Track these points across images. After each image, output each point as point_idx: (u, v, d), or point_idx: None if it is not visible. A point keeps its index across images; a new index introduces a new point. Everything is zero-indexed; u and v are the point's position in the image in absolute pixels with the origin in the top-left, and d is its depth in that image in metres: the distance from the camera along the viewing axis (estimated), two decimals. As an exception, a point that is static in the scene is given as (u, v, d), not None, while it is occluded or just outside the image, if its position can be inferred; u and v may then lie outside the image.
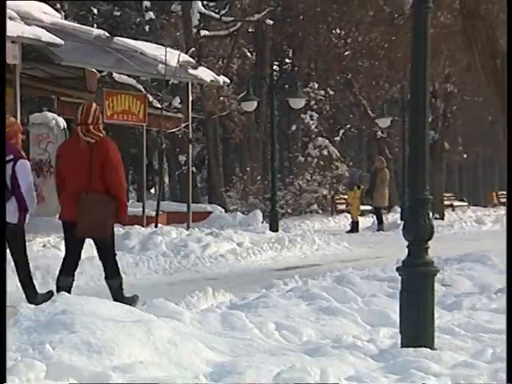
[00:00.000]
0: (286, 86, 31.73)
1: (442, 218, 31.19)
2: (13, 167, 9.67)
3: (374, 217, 26.81)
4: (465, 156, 47.39)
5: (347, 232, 25.16)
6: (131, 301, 9.42)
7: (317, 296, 9.68)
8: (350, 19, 27.68)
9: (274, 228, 23.21)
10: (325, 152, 33.44)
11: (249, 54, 32.53)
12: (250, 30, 30.06)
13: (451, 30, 19.17)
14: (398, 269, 7.48)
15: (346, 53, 29.42)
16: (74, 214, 9.48)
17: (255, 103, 25.77)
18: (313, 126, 33.17)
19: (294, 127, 33.68)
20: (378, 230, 25.41)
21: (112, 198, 9.40)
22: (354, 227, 25.99)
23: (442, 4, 14.53)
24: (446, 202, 35.41)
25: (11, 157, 9.70)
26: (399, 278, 7.40)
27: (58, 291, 9.42)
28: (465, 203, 42.96)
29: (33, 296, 10.10)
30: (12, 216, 9.72)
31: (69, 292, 9.24)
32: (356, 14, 26.98)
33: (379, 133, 33.29)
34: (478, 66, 12.90)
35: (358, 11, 26.85)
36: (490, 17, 12.56)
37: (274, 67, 33.23)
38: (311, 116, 33.13)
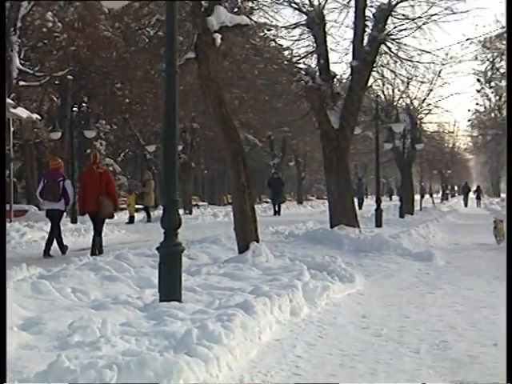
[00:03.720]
0: (83, 122, 32.51)
1: (191, 213, 32.79)
2: (63, 183, 14.05)
3: (145, 213, 27.48)
4: (205, 172, 49.75)
5: (126, 223, 25.79)
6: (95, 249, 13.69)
7: (102, 268, 9.40)
8: (127, 77, 28.03)
9: (74, 220, 23.34)
10: (111, 168, 34.00)
11: (55, 99, 32.37)
12: (56, 82, 29.62)
13: (193, 87, 19.22)
14: (157, 248, 7.59)
15: (127, 100, 30.58)
16: (95, 206, 13.69)
17: (60, 133, 26.65)
18: (102, 150, 33.83)
19: (88, 150, 33.86)
20: (147, 222, 26.10)
21: (110, 196, 13.86)
22: (131, 220, 26.77)
23: (185, 70, 13.89)
24: (193, 202, 37.21)
25: (61, 178, 14.21)
26: (159, 254, 7.56)
27: (93, 247, 13.74)
28: (206, 203, 45.77)
29: (64, 248, 14.33)
30: (61, 206, 14.11)
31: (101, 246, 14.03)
32: (130, 73, 26.91)
33: (148, 155, 34.79)
34: (211, 111, 12.24)
35: (132, 72, 26.51)
36: (218, 79, 12.10)
37: (74, 108, 33.30)
38: (101, 143, 33.93)
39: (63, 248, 14.40)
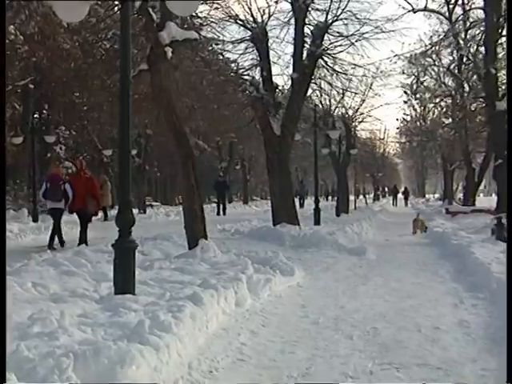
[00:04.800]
0: (43, 128, 32.05)
1: (145, 212, 32.22)
2: (64, 186, 14.73)
3: (103, 212, 26.51)
4: (158, 174, 49.71)
5: None
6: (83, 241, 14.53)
7: (61, 263, 9.35)
8: (85, 87, 27.62)
9: (35, 219, 22.96)
10: (70, 171, 33.15)
11: (18, 106, 31.64)
12: (18, 91, 28.99)
13: (147, 96, 18.95)
14: (113, 245, 7.51)
15: (85, 108, 30.31)
16: (82, 206, 14.55)
17: (21, 139, 26.38)
18: (61, 154, 33.42)
19: (49, 154, 33.19)
20: (104, 221, 25.45)
21: (95, 197, 14.69)
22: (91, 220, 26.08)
23: (139, 80, 13.59)
24: (147, 202, 36.69)
25: (62, 181, 14.99)
26: (114, 250, 7.48)
27: (80, 240, 14.45)
28: (159, 203, 45.26)
29: (63, 242, 14.95)
30: (62, 206, 14.86)
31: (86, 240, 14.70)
32: (88, 83, 26.27)
33: (105, 159, 34.58)
34: (163, 118, 12.24)
35: (90, 81, 26.04)
36: (169, 89, 11.93)
37: (35, 115, 32.58)
38: (60, 147, 33.36)
39: (62, 241, 15.07)
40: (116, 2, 14.53)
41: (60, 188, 14.73)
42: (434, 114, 39.82)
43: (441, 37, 27.33)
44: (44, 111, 35.23)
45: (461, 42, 26.50)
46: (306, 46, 18.69)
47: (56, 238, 15.00)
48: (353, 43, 19.17)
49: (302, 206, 41.03)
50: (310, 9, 18.62)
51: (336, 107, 30.90)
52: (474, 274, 10.00)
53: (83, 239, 14.56)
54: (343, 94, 25.68)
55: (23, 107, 31.04)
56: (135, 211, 9.23)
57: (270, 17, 18.49)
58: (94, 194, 14.78)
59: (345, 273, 10.93)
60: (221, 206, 32.65)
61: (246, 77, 19.25)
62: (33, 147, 26.18)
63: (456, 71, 30.26)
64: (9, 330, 5.09)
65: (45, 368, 4.07)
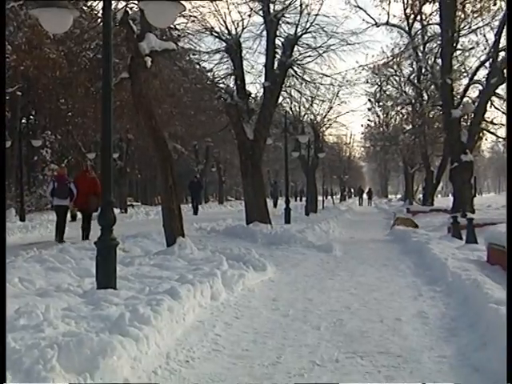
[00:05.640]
0: (30, 133, 31.98)
1: (126, 212, 32.15)
2: (69, 185, 15.42)
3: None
4: (139, 176, 49.26)
5: (69, 221, 24.20)
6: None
7: (47, 260, 9.32)
8: (69, 94, 27.54)
9: (22, 219, 22.91)
10: (55, 173, 32.77)
11: (6, 112, 31.24)
12: (7, 97, 28.68)
13: (128, 102, 18.66)
14: (95, 243, 7.46)
15: (69, 114, 30.15)
16: (85, 202, 15.16)
17: (10, 142, 25.89)
18: (48, 157, 32.98)
19: (36, 157, 32.69)
20: None
21: (97, 195, 14.42)
22: (73, 218, 24.85)
23: (120, 87, 13.83)
24: (128, 202, 36.46)
25: (68, 181, 15.65)
26: (96, 248, 7.41)
27: (83, 235, 15.25)
28: (139, 203, 45.02)
29: (62, 236, 15.25)
30: (67, 203, 15.50)
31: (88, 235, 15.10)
32: (72, 90, 26.31)
33: (89, 162, 33.65)
34: (143, 124, 12.26)
35: (74, 89, 26.04)
36: (149, 96, 12.00)
37: (23, 121, 32.35)
38: (46, 151, 32.85)
39: (62, 236, 15.59)
40: (99, 15, 14.45)
41: (66, 187, 15.52)
42: (395, 120, 40.14)
43: (401, 49, 27.80)
44: (31, 117, 35.08)
45: (419, 54, 26.90)
46: (277, 56, 18.83)
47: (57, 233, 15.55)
48: (320, 54, 19.51)
49: (275, 205, 41.09)
50: (280, 22, 18.77)
51: (305, 114, 31.06)
52: (431, 268, 10.11)
53: (86, 234, 15.22)
54: (312, 101, 25.80)
55: (11, 113, 30.86)
56: (117, 211, 9.21)
57: (243, 29, 18.66)
58: (97, 193, 14.89)
59: (313, 268, 10.95)
60: (195, 206, 32.61)
61: (221, 85, 19.30)
62: (20, 151, 26.24)
63: (415, 81, 30.67)
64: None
65: (30, 358, 4.03)
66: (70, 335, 4.64)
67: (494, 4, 21.43)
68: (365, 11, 25.08)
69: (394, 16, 28.05)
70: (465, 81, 24.66)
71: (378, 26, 24.51)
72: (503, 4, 20.53)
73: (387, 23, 25.54)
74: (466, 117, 22.18)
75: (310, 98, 24.21)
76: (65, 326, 5.22)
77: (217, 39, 18.48)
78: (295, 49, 18.92)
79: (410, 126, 36.87)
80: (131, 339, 4.80)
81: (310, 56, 19.45)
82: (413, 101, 32.90)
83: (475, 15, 22.60)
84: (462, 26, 22.45)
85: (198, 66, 24.22)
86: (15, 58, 24.63)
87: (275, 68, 18.66)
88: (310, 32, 18.89)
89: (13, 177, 30.51)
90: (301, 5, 18.50)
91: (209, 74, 22.58)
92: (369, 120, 44.48)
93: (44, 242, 14.57)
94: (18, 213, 24.19)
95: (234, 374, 4.56)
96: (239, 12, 19.21)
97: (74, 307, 6.18)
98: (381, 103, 35.04)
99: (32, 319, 5.39)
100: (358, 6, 24.12)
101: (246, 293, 8.25)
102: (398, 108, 35.41)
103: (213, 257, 10.37)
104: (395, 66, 30.03)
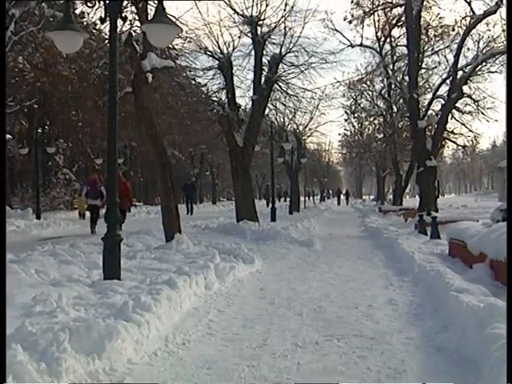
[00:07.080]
0: (45, 141, 31.81)
1: (130, 211, 30.60)
2: (100, 188, 16.08)
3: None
4: (141, 179, 49.06)
5: (79, 219, 24.72)
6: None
7: (59, 254, 9.29)
8: (80, 106, 27.45)
9: (38, 217, 22.73)
10: (67, 176, 33.61)
11: (24, 123, 31.42)
12: (25, 110, 28.75)
13: (131, 114, 18.20)
14: (102, 238, 7.40)
15: (80, 124, 29.97)
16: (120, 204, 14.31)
17: (27, 149, 26.36)
18: (60, 162, 33.11)
19: (50, 163, 32.51)
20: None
21: (127, 197, 15.83)
22: (81, 216, 25.71)
23: (124, 100, 13.85)
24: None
25: (99, 185, 16.85)
26: (103, 243, 7.36)
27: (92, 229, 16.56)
28: (141, 203, 45.06)
29: (94, 230, 16.31)
30: (99, 203, 16.58)
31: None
32: (82, 103, 26.19)
33: (96, 166, 33.76)
34: (144, 133, 12.18)
35: (84, 102, 25.88)
36: (150, 108, 11.89)
37: (39, 130, 32.41)
38: (59, 157, 33.05)
39: (94, 229, 16.55)
40: (106, 36, 14.41)
41: (97, 190, 16.74)
42: (369, 130, 40.19)
43: (373, 67, 27.90)
44: (46, 127, 35.39)
45: (389, 72, 26.94)
46: (264, 73, 18.79)
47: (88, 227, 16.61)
48: (302, 71, 19.42)
49: (267, 205, 41.02)
50: (267, 43, 18.72)
51: (289, 124, 31.12)
52: (400, 261, 10.11)
53: (93, 228, 16.42)
54: (295, 112, 25.92)
55: (28, 123, 31.41)
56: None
57: (234, 49, 18.56)
58: (127, 195, 15.92)
59: (296, 261, 10.92)
60: (189, 206, 32.48)
61: (214, 98, 19.29)
62: (36, 157, 26.36)
63: (386, 95, 30.76)
64: (12, 316, 4.96)
65: (45, 341, 4.03)
66: (80, 320, 4.62)
67: (453, 30, 21.67)
68: (341, 34, 25.34)
69: (367, 38, 28.19)
70: (429, 95, 24.67)
71: (352, 47, 24.54)
72: (461, 30, 21.00)
73: (361, 44, 25.56)
74: (430, 127, 22.25)
75: (293, 110, 24.32)
76: (75, 312, 5.22)
77: (210, 58, 18.44)
78: (280, 66, 18.88)
79: (382, 135, 37.02)
80: (134, 324, 4.78)
81: (293, 73, 19.42)
82: (384, 113, 33.09)
83: (437, 39, 22.80)
84: (426, 48, 22.59)
85: (193, 82, 24.30)
86: (33, 75, 24.79)
87: (262, 83, 18.63)
88: (293, 51, 18.89)
89: (30, 180, 30.49)
90: (285, 28, 18.57)
91: (203, 88, 22.72)
92: (345, 129, 44.64)
93: (57, 238, 14.49)
94: (34, 212, 24.21)
95: (226, 355, 4.55)
96: (230, 34, 19.48)
97: (83, 296, 6.17)
98: (356, 115, 35.21)
99: (46, 306, 5.40)
100: (336, 29, 24.12)
101: (236, 283, 8.19)
102: (371, 119, 35.62)
103: (207, 251, 10.31)
104: (368, 82, 30.14)
